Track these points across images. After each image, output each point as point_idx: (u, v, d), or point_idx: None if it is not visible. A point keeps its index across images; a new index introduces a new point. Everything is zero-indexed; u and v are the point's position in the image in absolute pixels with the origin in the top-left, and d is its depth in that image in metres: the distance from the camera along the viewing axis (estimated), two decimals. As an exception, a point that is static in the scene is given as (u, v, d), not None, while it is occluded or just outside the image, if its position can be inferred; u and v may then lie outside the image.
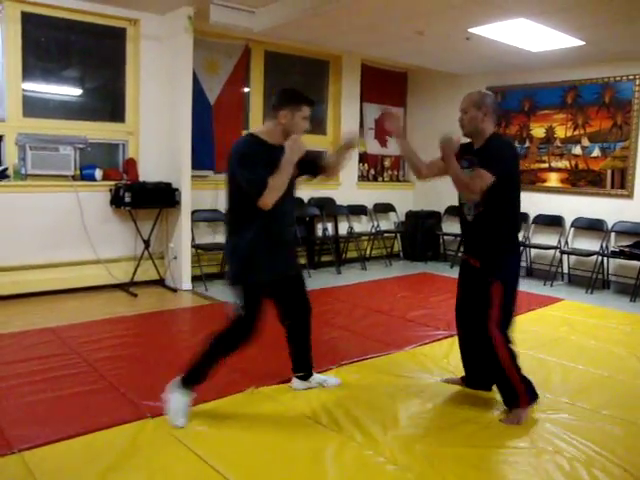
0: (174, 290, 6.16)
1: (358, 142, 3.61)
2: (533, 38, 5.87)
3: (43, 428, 2.92)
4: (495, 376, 3.31)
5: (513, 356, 3.22)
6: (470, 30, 5.69)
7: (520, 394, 3.21)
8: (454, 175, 3.21)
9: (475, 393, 3.57)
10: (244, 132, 3.31)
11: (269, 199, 2.95)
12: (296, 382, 3.56)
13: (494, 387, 3.45)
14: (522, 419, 3.17)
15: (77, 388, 3.46)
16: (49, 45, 5.91)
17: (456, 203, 3.52)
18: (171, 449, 2.79)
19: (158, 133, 6.25)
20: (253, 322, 3.07)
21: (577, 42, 5.89)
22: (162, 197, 6.02)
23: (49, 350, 4.10)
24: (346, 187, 8.12)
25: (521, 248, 3.51)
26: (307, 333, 3.49)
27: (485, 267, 3.28)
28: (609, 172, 6.92)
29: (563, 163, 7.33)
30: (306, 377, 3.56)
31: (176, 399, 3.07)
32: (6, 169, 5.40)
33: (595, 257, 6.79)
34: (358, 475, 2.63)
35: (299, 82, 7.90)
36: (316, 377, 3.60)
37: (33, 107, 5.66)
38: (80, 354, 4.03)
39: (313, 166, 3.42)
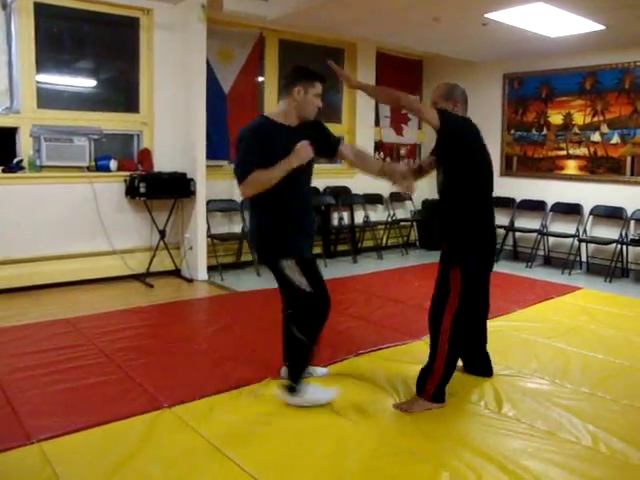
0: (190, 280, 6.16)
1: (412, 188, 3.29)
2: (551, 23, 5.76)
3: (61, 418, 2.93)
4: (429, 359, 3.21)
5: (451, 353, 3.13)
6: (487, 15, 5.60)
7: (428, 387, 3.14)
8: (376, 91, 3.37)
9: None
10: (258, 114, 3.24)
11: (248, 190, 2.95)
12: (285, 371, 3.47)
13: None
14: (413, 410, 3.10)
15: (94, 379, 3.46)
16: (62, 36, 5.91)
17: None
18: (187, 439, 2.78)
19: (172, 123, 6.23)
20: None
21: (597, 26, 5.78)
22: (177, 187, 6.02)
23: (66, 341, 4.12)
24: (362, 176, 8.02)
25: (496, 232, 3.41)
26: None
27: (448, 250, 3.22)
28: (629, 159, 6.81)
29: (582, 150, 7.22)
30: None
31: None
32: (21, 161, 5.42)
33: (614, 245, 6.70)
34: (378, 466, 2.60)
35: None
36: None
37: (47, 99, 5.66)
38: (96, 345, 4.04)
39: (330, 147, 3.31)
